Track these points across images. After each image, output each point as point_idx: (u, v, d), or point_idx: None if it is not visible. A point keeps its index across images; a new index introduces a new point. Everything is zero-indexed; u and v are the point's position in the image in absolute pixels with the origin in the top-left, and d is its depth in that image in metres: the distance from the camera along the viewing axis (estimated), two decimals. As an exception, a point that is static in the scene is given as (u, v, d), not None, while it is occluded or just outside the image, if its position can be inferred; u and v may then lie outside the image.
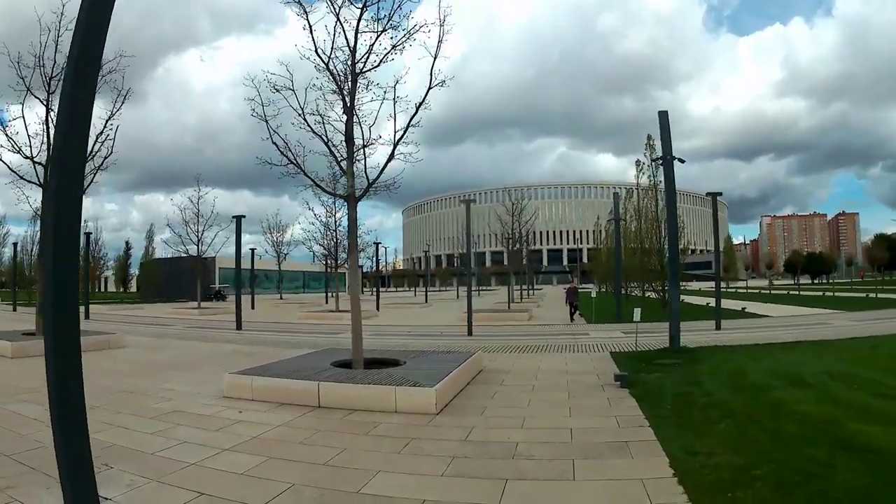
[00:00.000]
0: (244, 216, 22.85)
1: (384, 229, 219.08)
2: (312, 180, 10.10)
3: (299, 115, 9.44)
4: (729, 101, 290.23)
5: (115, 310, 39.90)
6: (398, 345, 14.61)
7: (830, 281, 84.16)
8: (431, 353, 11.34)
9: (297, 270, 79.68)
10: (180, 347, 15.57)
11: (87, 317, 26.31)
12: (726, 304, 31.99)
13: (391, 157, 9.90)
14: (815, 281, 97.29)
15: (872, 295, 36.86)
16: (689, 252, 29.36)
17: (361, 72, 9.44)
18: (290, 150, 9.49)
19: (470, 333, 17.98)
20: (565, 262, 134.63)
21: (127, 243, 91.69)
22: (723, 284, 69.66)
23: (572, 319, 22.59)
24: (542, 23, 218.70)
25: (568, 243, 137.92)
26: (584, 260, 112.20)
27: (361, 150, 9.93)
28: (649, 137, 28.75)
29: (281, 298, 56.52)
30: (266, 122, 9.35)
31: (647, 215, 26.94)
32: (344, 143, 9.65)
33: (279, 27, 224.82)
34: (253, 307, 40.61)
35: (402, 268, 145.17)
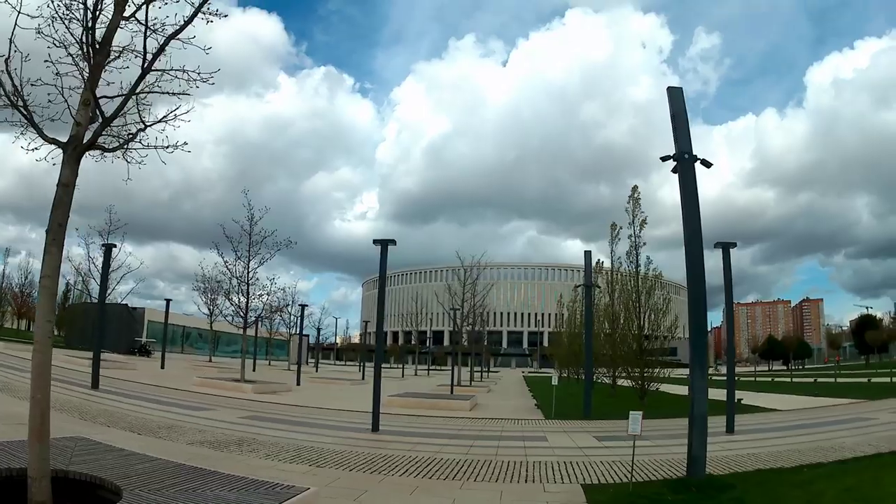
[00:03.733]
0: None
1: (348, 302, 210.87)
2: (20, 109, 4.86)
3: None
4: (700, 190, 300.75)
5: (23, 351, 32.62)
6: (251, 435, 10.44)
7: (801, 367, 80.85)
8: (216, 478, 5.54)
9: (235, 333, 72.58)
10: None
11: None
12: (714, 394, 27.07)
13: (145, 70, 4.79)
14: (789, 367, 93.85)
15: (868, 380, 32.40)
16: (667, 338, 24.57)
17: None
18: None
19: (375, 428, 12.30)
20: (525, 344, 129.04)
21: (67, 285, 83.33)
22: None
23: None
24: (526, 107, 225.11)
25: (529, 326, 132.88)
26: (545, 343, 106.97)
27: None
28: (613, 225, 25.00)
29: (210, 361, 49.51)
30: None
31: (623, 287, 22.17)
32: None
33: (271, 91, 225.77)
34: (163, 366, 34.11)
35: (357, 342, 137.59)
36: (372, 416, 12.66)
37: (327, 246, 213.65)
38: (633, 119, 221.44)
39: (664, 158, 8.11)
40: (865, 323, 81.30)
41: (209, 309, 49.28)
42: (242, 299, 23.89)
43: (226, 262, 23.73)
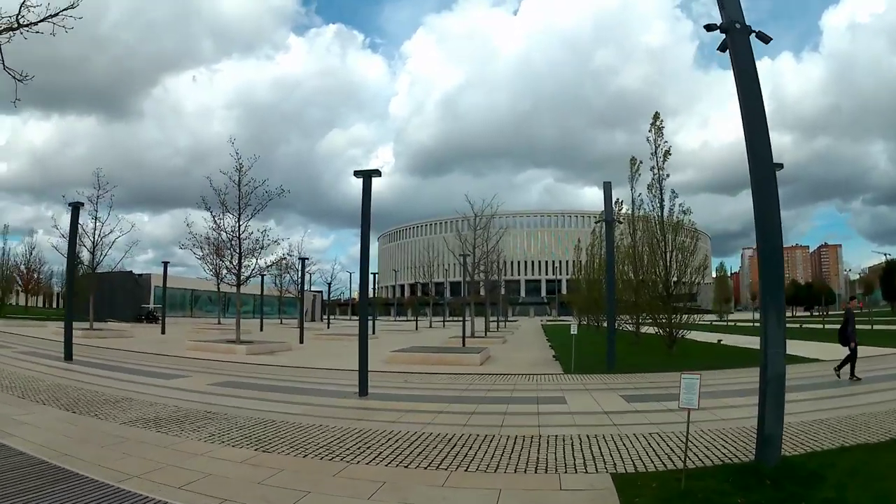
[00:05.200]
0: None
1: (369, 257, 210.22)
2: None
3: None
4: (716, 136, 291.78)
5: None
6: (210, 407, 8.97)
7: (825, 312, 78.09)
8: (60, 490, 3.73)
9: (247, 294, 72.12)
10: None
11: None
12: (739, 341, 25.26)
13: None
14: (812, 313, 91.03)
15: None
16: (696, 282, 22.22)
17: None
18: None
19: (363, 392, 10.59)
20: (543, 293, 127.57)
21: (78, 256, 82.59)
22: (716, 317, 62.96)
23: (839, 374, 11.87)
24: (538, 57, 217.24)
25: (547, 274, 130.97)
26: (563, 291, 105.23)
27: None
28: (633, 160, 22.36)
29: (218, 323, 48.66)
30: None
31: (647, 225, 19.84)
32: None
33: (281, 52, 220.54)
34: (163, 332, 33.30)
35: (374, 296, 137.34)
36: (359, 378, 10.93)
37: (344, 203, 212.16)
38: (647, 66, 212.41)
39: (709, 28, 5.81)
40: (893, 269, 77.64)
41: (214, 270, 48.54)
42: (235, 255, 22.17)
43: (213, 216, 21.85)
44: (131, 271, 57.62)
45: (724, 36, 5.82)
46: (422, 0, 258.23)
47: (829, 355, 16.06)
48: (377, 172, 11.44)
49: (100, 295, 50.80)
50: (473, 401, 9.97)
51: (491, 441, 6.84)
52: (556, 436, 6.99)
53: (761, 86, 5.79)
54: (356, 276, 56.71)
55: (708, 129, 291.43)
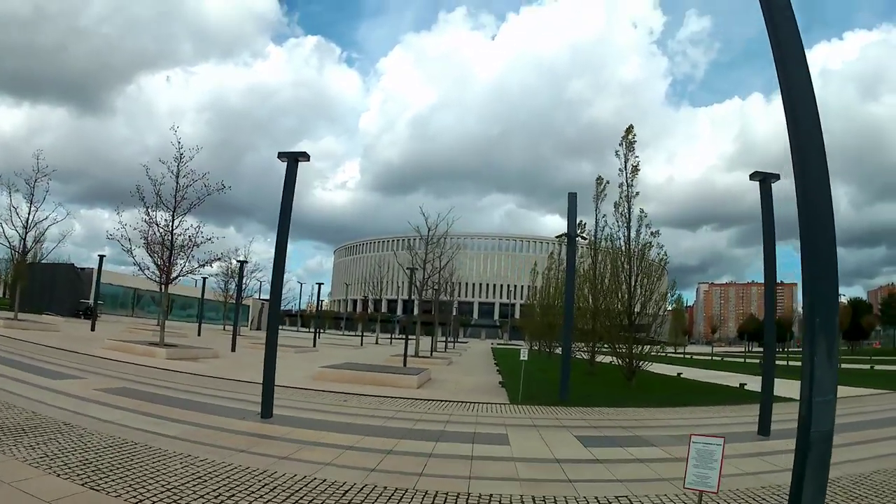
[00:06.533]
0: None
1: (323, 270, 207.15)
2: None
3: None
4: (683, 172, 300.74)
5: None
6: (69, 419, 6.45)
7: (782, 350, 79.04)
8: None
9: (191, 297, 68.32)
10: None
11: None
12: (699, 375, 23.92)
13: None
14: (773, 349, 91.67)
15: (871, 367, 29.64)
16: (655, 318, 20.77)
17: None
18: None
19: (266, 415, 8.53)
20: (496, 316, 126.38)
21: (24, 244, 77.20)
22: (670, 349, 62.49)
23: None
24: (513, 83, 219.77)
25: (501, 297, 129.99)
26: (517, 315, 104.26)
27: None
28: (599, 179, 21.26)
29: (158, 325, 45.13)
30: None
31: (611, 242, 18.27)
32: None
33: (259, 60, 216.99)
34: (93, 329, 30.51)
35: (326, 309, 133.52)
36: (262, 398, 8.82)
37: (307, 214, 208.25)
38: (620, 99, 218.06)
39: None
40: (856, 308, 78.89)
41: (162, 270, 45.42)
42: (166, 252, 19.70)
43: (147, 205, 19.41)
44: (73, 264, 53.87)
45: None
46: (401, 19, 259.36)
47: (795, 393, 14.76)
48: (304, 155, 9.54)
49: (38, 286, 47.10)
50: (396, 434, 7.98)
51: (400, 500, 4.89)
52: (490, 496, 5.08)
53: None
54: (311, 289, 54.42)
55: (674, 165, 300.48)
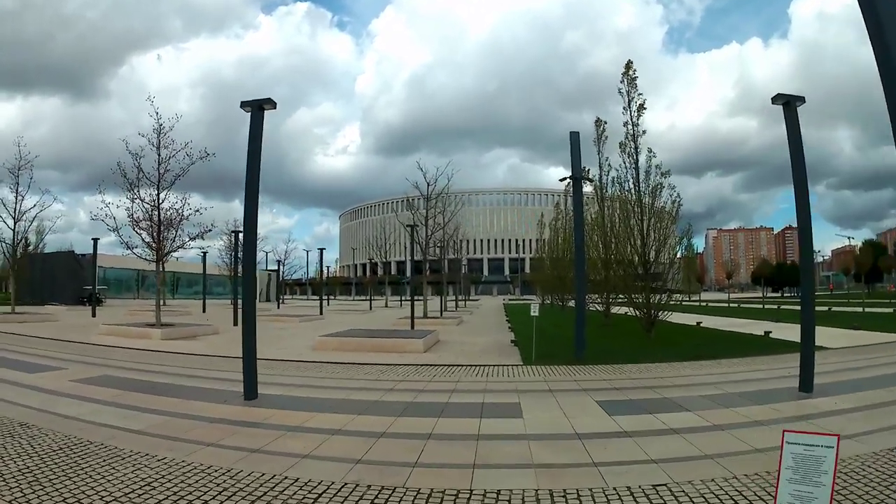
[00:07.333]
0: None
1: (331, 236, 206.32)
2: None
3: None
4: (684, 119, 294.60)
5: None
6: (32, 418, 6.23)
7: (796, 295, 77.94)
8: None
9: (197, 273, 68.06)
10: None
11: None
12: (719, 323, 22.93)
13: None
14: (784, 294, 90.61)
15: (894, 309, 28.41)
16: (671, 265, 19.68)
17: None
18: None
19: (250, 396, 7.69)
20: (507, 272, 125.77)
21: (25, 239, 77.20)
22: (684, 297, 61.52)
23: None
24: (508, 37, 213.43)
25: (511, 253, 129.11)
26: (527, 270, 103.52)
27: None
28: (598, 121, 20.13)
29: (164, 304, 44.65)
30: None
31: (621, 186, 16.95)
32: None
33: (250, 31, 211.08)
34: (94, 315, 29.14)
35: (335, 275, 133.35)
36: (243, 378, 7.95)
37: (310, 182, 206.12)
38: (617, 48, 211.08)
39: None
40: (873, 249, 76.91)
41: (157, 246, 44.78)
42: (154, 228, 18.78)
43: (130, 182, 18.45)
44: (73, 251, 53.01)
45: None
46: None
47: (833, 342, 13.69)
48: (269, 102, 8.38)
49: (38, 277, 46.61)
50: (393, 410, 7.07)
51: (387, 500, 3.97)
52: (499, 492, 4.14)
53: None
54: (314, 255, 53.57)
55: (675, 112, 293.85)
